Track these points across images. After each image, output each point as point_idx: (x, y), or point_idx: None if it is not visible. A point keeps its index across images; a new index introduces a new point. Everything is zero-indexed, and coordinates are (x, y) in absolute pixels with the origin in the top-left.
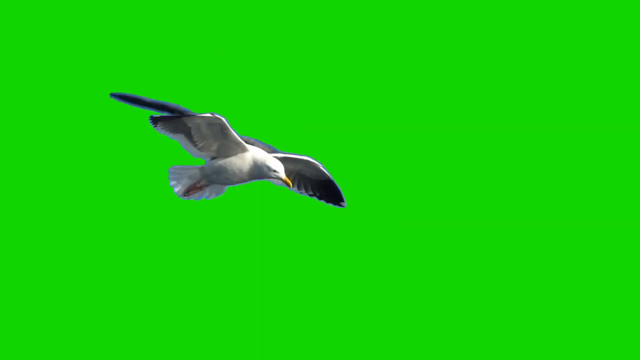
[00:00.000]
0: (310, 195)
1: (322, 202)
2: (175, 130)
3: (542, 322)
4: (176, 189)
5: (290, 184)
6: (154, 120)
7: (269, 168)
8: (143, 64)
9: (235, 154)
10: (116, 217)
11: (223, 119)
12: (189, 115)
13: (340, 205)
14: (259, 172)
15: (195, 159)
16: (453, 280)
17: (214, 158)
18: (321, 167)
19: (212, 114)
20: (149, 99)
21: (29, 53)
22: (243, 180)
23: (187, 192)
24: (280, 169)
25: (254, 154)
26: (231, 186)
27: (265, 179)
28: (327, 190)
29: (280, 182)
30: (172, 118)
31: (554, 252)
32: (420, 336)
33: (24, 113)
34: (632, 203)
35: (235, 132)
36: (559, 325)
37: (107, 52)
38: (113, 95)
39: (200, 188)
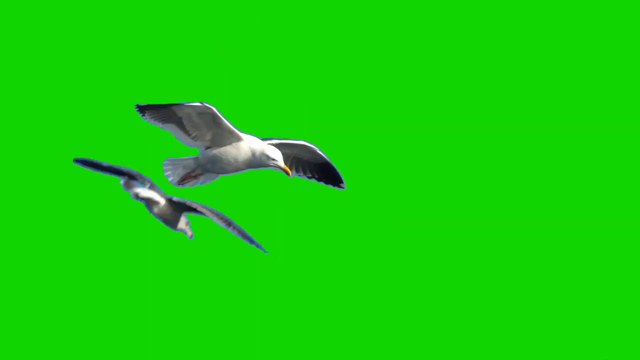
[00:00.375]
0: (309, 177)
1: (322, 183)
2: (165, 120)
3: (541, 317)
4: (170, 179)
5: (290, 172)
6: (142, 109)
7: (267, 157)
8: (144, 62)
9: (230, 143)
10: (110, 211)
11: (213, 108)
12: (178, 104)
13: (340, 187)
14: (256, 161)
15: (189, 151)
16: (452, 263)
17: (208, 148)
18: (318, 151)
19: (201, 103)
20: (106, 164)
21: (29, 52)
22: (239, 170)
23: (182, 180)
24: (279, 157)
25: (250, 142)
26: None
27: (262, 168)
28: (325, 173)
29: (279, 170)
30: (161, 107)
31: (553, 249)
32: (420, 321)
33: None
34: (632, 203)
35: (228, 121)
36: (558, 323)
37: (106, 50)
38: (76, 160)
39: (195, 177)
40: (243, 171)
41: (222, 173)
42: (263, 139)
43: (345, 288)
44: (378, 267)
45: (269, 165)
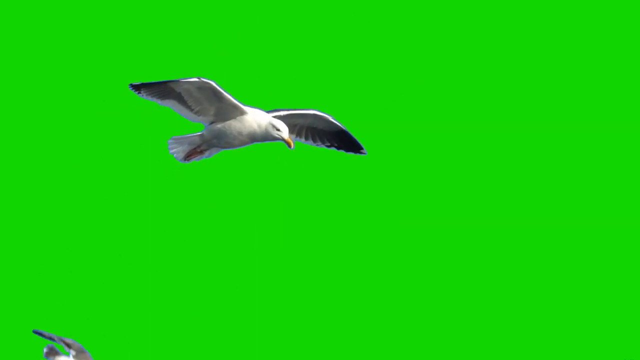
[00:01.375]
0: (328, 146)
1: (342, 151)
2: (163, 96)
3: (542, 314)
4: (176, 155)
5: (292, 144)
6: (136, 88)
7: (273, 126)
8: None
9: (234, 117)
10: (121, 196)
11: (212, 82)
12: (174, 81)
13: (362, 153)
14: (261, 133)
15: (193, 128)
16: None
17: (212, 123)
18: (331, 119)
19: (198, 78)
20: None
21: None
22: (244, 143)
23: (188, 156)
24: (284, 129)
25: (255, 115)
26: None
27: (267, 141)
28: (343, 141)
29: (282, 141)
30: (156, 84)
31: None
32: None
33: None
34: (632, 203)
35: (231, 95)
36: (558, 322)
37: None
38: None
39: (201, 152)
40: (248, 145)
41: (227, 148)
42: (270, 111)
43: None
44: (400, 240)
45: (274, 138)
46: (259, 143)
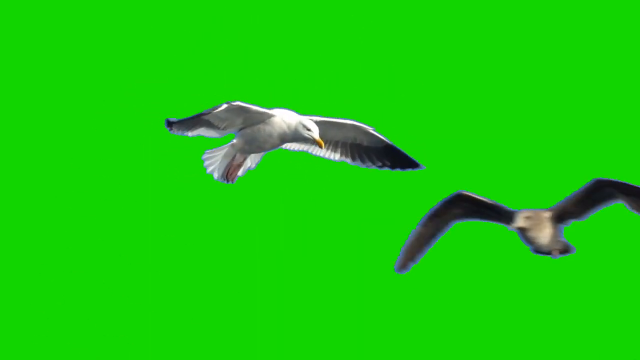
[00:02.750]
0: (380, 166)
1: (397, 170)
2: (192, 128)
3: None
4: (215, 175)
5: (323, 145)
6: (170, 125)
7: (304, 126)
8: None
9: (262, 121)
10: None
11: (240, 103)
12: (206, 112)
13: (419, 167)
14: (292, 133)
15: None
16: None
17: (241, 130)
18: (373, 132)
19: (228, 103)
20: None
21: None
22: (275, 146)
23: (228, 174)
24: (315, 129)
25: (283, 116)
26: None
27: (296, 142)
28: (395, 158)
29: (312, 142)
30: (190, 119)
31: None
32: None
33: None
34: None
35: (257, 105)
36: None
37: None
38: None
39: (239, 165)
40: (280, 146)
41: (260, 152)
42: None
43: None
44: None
45: (303, 137)
46: (290, 144)
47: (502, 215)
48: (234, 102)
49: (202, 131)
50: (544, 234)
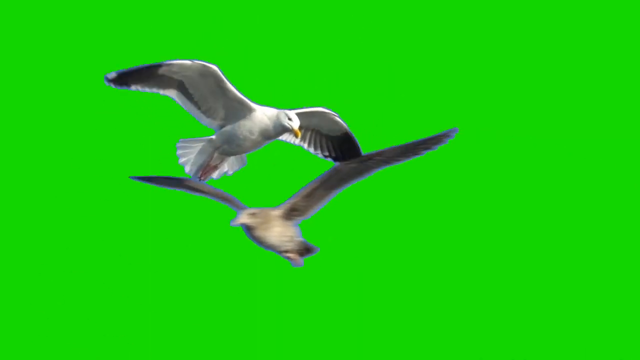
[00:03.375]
0: (326, 156)
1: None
2: (163, 86)
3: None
4: (187, 169)
5: (299, 134)
6: (118, 80)
7: (285, 115)
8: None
9: (243, 117)
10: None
11: (213, 66)
12: (161, 65)
13: None
14: (274, 128)
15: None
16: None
17: (222, 127)
18: (337, 119)
19: (192, 61)
20: None
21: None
22: (257, 144)
23: (203, 173)
24: (296, 119)
25: (264, 110)
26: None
27: (278, 136)
28: (343, 148)
29: (291, 132)
30: (141, 71)
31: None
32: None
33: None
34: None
35: (236, 88)
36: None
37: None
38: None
39: (215, 167)
40: (261, 146)
41: (240, 152)
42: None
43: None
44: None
45: (284, 129)
46: (271, 142)
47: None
48: (207, 62)
49: (178, 97)
50: (272, 233)
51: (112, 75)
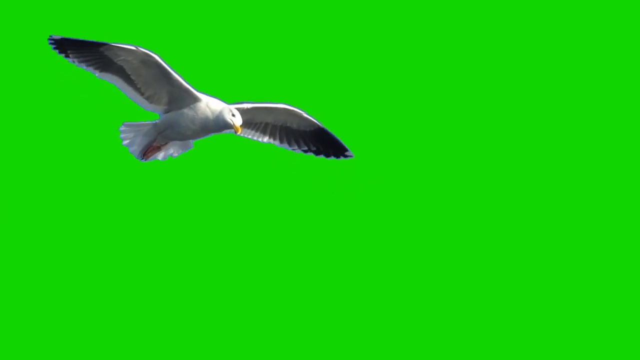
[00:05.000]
0: (305, 151)
1: (322, 156)
2: (101, 67)
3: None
4: (131, 149)
5: (239, 130)
6: (60, 45)
7: (230, 110)
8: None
9: (187, 105)
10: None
11: (155, 55)
12: (105, 44)
13: (347, 156)
14: (215, 121)
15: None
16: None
17: (167, 112)
18: (305, 115)
19: (135, 47)
20: None
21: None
22: (197, 134)
23: (145, 153)
24: (238, 115)
25: (209, 102)
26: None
27: (219, 131)
28: (324, 142)
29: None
30: (84, 44)
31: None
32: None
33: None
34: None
35: (182, 78)
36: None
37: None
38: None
39: (159, 148)
40: (202, 137)
41: (182, 139)
42: (233, 104)
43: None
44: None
45: (226, 124)
46: (215, 134)
47: None
48: (149, 50)
49: (119, 83)
50: None
51: (57, 37)
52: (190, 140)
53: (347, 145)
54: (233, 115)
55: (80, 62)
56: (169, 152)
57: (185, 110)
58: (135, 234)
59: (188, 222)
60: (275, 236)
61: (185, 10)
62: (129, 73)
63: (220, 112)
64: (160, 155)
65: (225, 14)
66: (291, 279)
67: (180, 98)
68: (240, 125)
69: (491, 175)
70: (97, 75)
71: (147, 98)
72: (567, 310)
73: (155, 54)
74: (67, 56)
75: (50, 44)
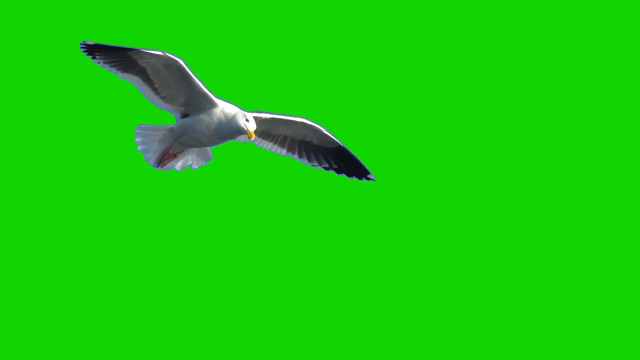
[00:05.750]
0: (326, 168)
1: (343, 176)
2: (124, 68)
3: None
4: (147, 156)
5: (253, 136)
6: (90, 49)
7: (244, 115)
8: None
9: (204, 110)
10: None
11: (180, 61)
12: (135, 49)
13: (369, 179)
14: (229, 127)
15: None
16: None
17: (185, 116)
18: (325, 132)
19: (163, 52)
20: None
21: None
22: (213, 140)
23: (161, 161)
24: (252, 120)
25: (224, 108)
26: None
27: (233, 136)
28: (345, 162)
29: (246, 137)
30: (114, 49)
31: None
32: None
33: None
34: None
35: (202, 82)
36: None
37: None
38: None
39: (175, 155)
40: (219, 144)
41: (197, 146)
42: (251, 112)
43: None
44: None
45: (239, 129)
46: (232, 142)
47: None
48: (175, 56)
49: (137, 82)
50: None
51: (90, 43)
52: (210, 150)
53: (368, 168)
54: (247, 120)
55: (105, 63)
56: (188, 162)
57: (202, 116)
58: (145, 243)
59: (203, 234)
60: (286, 251)
61: (205, 20)
62: (150, 74)
63: (234, 117)
64: (178, 165)
65: (249, 25)
66: (300, 293)
67: (197, 102)
68: (255, 131)
69: (491, 176)
70: (119, 75)
71: (163, 98)
72: (574, 319)
73: (180, 58)
74: (94, 58)
75: (82, 47)
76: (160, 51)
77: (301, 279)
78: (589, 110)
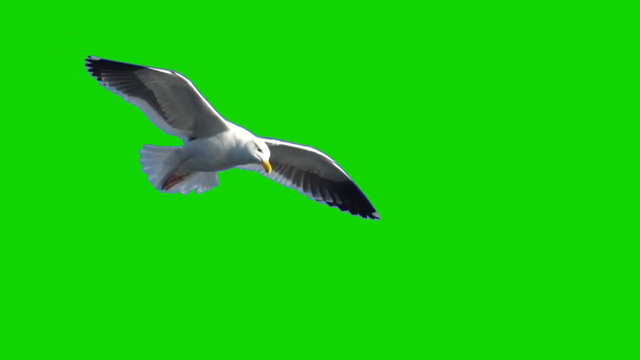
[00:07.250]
0: (330, 203)
1: (347, 212)
2: (131, 91)
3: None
4: (151, 177)
5: (270, 169)
6: (95, 67)
7: (255, 145)
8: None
9: (214, 134)
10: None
11: (188, 81)
12: (142, 67)
13: (373, 217)
14: (240, 154)
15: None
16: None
17: (193, 139)
18: (335, 164)
19: (171, 71)
20: None
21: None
22: (222, 165)
23: (166, 183)
24: (266, 151)
25: (237, 132)
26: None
27: (245, 165)
28: (350, 197)
29: (260, 165)
30: (120, 66)
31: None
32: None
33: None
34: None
35: (211, 104)
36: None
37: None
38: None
39: (181, 178)
40: (226, 168)
41: (205, 170)
42: (261, 138)
43: None
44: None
45: (251, 159)
46: (239, 169)
47: None
48: (183, 76)
49: (144, 106)
50: None
51: (95, 58)
52: (216, 176)
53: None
54: (260, 150)
55: (111, 85)
56: (193, 185)
57: (211, 139)
58: (142, 265)
59: (203, 262)
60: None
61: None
62: (157, 97)
63: (246, 145)
64: (182, 188)
65: (261, 48)
66: (294, 327)
67: (206, 125)
68: (270, 162)
69: (489, 179)
70: (125, 99)
71: (170, 122)
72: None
73: (189, 79)
74: (99, 79)
75: (87, 64)
76: (169, 70)
77: (294, 312)
78: (586, 114)
